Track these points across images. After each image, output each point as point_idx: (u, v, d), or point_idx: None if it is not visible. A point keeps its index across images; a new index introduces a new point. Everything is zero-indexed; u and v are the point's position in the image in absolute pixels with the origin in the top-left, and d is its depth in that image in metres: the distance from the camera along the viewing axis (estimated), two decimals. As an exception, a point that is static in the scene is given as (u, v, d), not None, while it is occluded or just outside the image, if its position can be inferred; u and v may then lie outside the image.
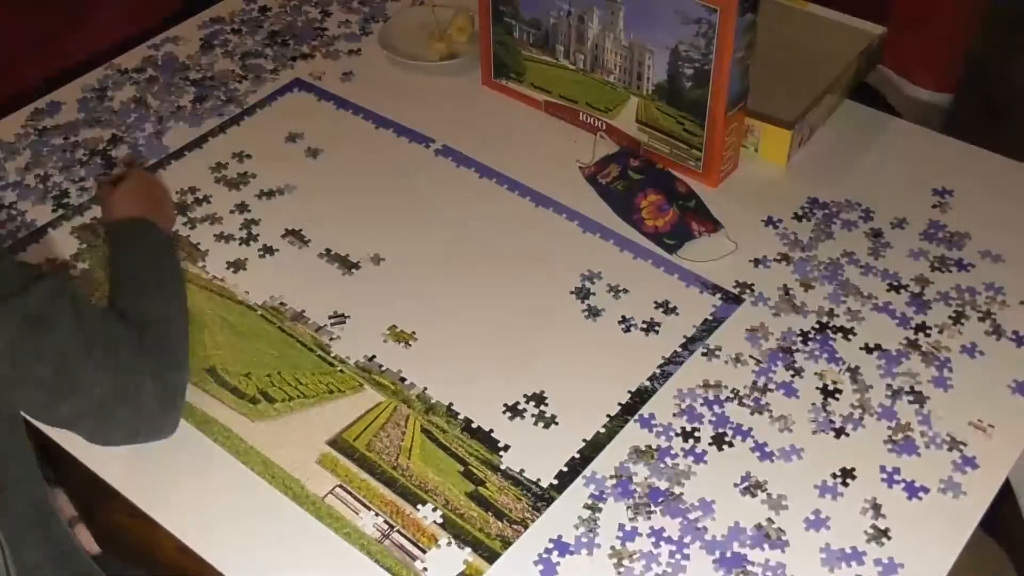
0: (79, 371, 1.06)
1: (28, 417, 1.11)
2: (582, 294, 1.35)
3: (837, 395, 1.23)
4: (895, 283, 1.36)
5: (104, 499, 1.17)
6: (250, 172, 1.54)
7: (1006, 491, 1.25)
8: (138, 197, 1.39)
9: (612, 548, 1.10)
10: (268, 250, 1.42)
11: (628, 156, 1.51)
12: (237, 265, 1.40)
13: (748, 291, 1.35)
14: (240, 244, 1.43)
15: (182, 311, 1.26)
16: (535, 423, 1.21)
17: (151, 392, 1.12)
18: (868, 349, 1.28)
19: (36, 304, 1.03)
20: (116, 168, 1.56)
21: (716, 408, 1.22)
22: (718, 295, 1.35)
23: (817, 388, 1.24)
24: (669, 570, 1.08)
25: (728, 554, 1.09)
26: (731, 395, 1.23)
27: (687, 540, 1.10)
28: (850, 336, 1.29)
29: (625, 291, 1.36)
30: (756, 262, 1.39)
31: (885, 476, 1.15)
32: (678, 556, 1.09)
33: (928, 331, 1.30)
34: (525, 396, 1.24)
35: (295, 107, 1.65)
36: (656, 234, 1.42)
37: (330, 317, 1.33)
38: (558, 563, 1.09)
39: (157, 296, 1.23)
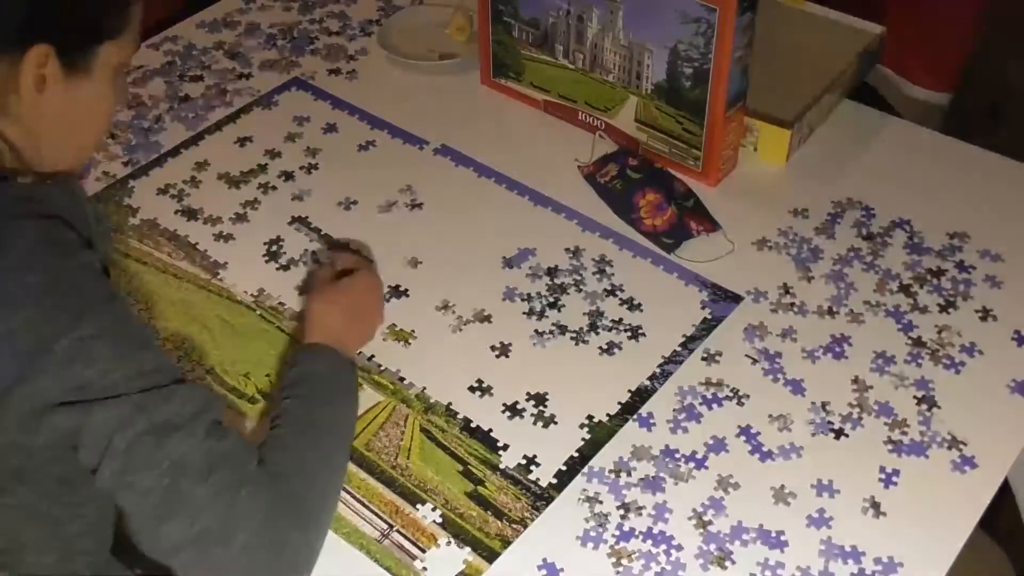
0: (192, 490, 0.93)
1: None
2: (581, 294, 1.35)
3: (836, 394, 1.23)
4: (895, 282, 1.36)
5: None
6: (248, 171, 1.54)
7: (1005, 490, 1.24)
8: (350, 307, 1.26)
9: (611, 547, 1.10)
10: (266, 250, 1.42)
11: (627, 155, 1.51)
12: (235, 264, 1.40)
13: (747, 290, 1.35)
14: (238, 243, 1.43)
15: (333, 474, 1.09)
16: (534, 422, 1.21)
17: (259, 542, 0.95)
18: (867, 348, 1.28)
19: (173, 413, 0.94)
20: (343, 253, 1.36)
21: (715, 407, 1.22)
22: (717, 294, 1.35)
23: (816, 387, 1.24)
24: (668, 568, 1.08)
25: (728, 553, 1.09)
26: (730, 394, 1.23)
27: (686, 539, 1.10)
28: (849, 335, 1.29)
29: (623, 290, 1.35)
30: (755, 261, 1.39)
31: (884, 476, 1.15)
32: (677, 555, 1.09)
33: (927, 331, 1.30)
34: (524, 395, 1.24)
35: (293, 106, 1.65)
36: (654, 233, 1.42)
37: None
38: (557, 562, 1.09)
39: (311, 452, 1.07)
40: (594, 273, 1.38)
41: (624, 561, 1.09)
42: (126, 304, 1.00)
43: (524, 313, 1.33)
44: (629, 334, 1.30)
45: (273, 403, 1.22)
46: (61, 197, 0.98)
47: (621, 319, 1.32)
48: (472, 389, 1.25)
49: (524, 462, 1.17)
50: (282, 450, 1.04)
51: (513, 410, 1.22)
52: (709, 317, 1.32)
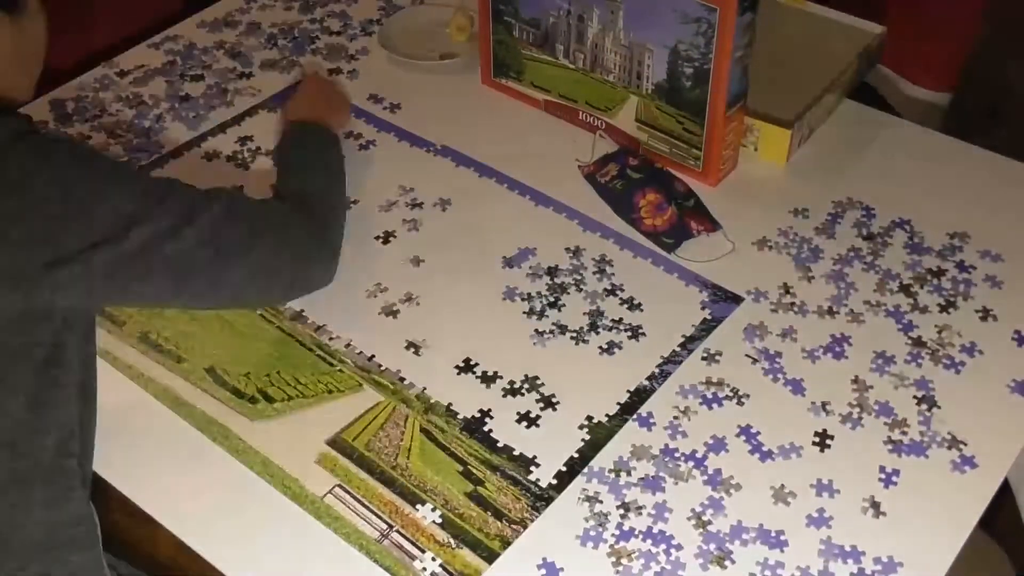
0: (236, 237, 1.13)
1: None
2: (581, 294, 1.35)
3: (836, 394, 1.23)
4: (895, 282, 1.36)
5: (103, 498, 1.17)
6: (249, 172, 1.54)
7: (1006, 490, 1.24)
8: (313, 101, 1.53)
9: (611, 547, 1.10)
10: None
11: (627, 155, 1.51)
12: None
13: (747, 290, 1.35)
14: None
15: (343, 191, 1.39)
16: (534, 422, 1.21)
17: (306, 243, 1.22)
18: (867, 348, 1.28)
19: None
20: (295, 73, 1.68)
21: (715, 407, 1.22)
22: (717, 294, 1.35)
23: (816, 387, 1.24)
24: (668, 567, 1.08)
25: (727, 552, 1.09)
26: (730, 394, 1.23)
27: (686, 538, 1.10)
28: (849, 335, 1.29)
29: (623, 290, 1.35)
30: (755, 261, 1.39)
31: (884, 475, 1.15)
32: (677, 554, 1.09)
33: (927, 331, 1.30)
34: (523, 395, 1.24)
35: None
36: (655, 233, 1.42)
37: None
38: (557, 562, 1.09)
39: (320, 177, 1.36)
40: (594, 273, 1.38)
41: (624, 561, 1.09)
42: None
43: (524, 313, 1.33)
44: (629, 334, 1.30)
45: (269, 403, 1.22)
46: None
47: (621, 319, 1.32)
48: (470, 388, 1.25)
49: (524, 462, 1.17)
50: (302, 180, 1.34)
51: (512, 410, 1.22)
52: (709, 317, 1.32)
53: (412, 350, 1.29)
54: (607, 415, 1.21)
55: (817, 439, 1.19)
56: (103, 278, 1.01)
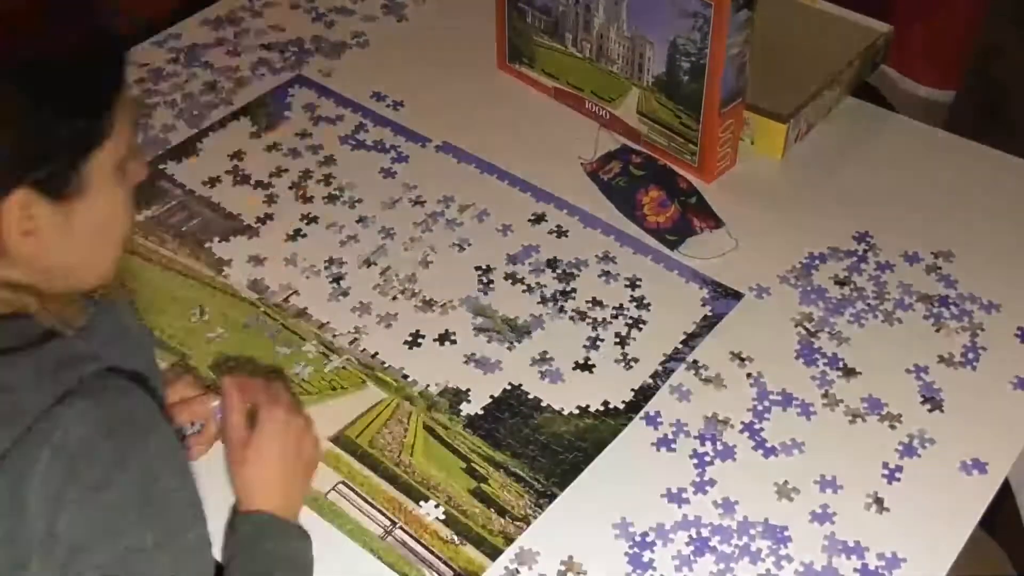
0: None
1: None
2: (583, 291, 1.35)
3: (840, 391, 1.23)
4: (896, 279, 1.35)
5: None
6: (249, 169, 1.54)
7: (1006, 490, 1.24)
8: (282, 463, 1.06)
9: (615, 543, 1.10)
10: (268, 247, 1.42)
11: (630, 152, 1.51)
12: (239, 260, 1.40)
13: (748, 287, 1.35)
14: (240, 240, 1.43)
15: None
16: (537, 420, 1.21)
17: None
18: (869, 345, 1.28)
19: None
20: (248, 385, 1.12)
21: (718, 403, 1.22)
22: (718, 291, 1.35)
23: (820, 384, 1.24)
24: (676, 562, 1.08)
25: (731, 547, 1.09)
26: (734, 391, 1.23)
27: (691, 533, 1.11)
28: (852, 331, 1.29)
29: (627, 287, 1.35)
30: (755, 258, 1.39)
31: (887, 471, 1.15)
32: (682, 550, 1.09)
33: (930, 328, 1.30)
34: (527, 393, 1.24)
35: (297, 103, 1.65)
36: (658, 230, 1.42)
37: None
38: (562, 559, 1.09)
39: None
40: (596, 271, 1.38)
41: (628, 556, 1.09)
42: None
43: (526, 310, 1.33)
44: (631, 331, 1.30)
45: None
46: (111, 328, 0.90)
47: (623, 316, 1.32)
48: (474, 385, 1.25)
49: (527, 460, 1.17)
50: None
51: (515, 408, 1.22)
52: (711, 314, 1.32)
53: (415, 347, 1.29)
54: (610, 412, 1.22)
55: (821, 436, 1.19)
56: None
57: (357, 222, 1.45)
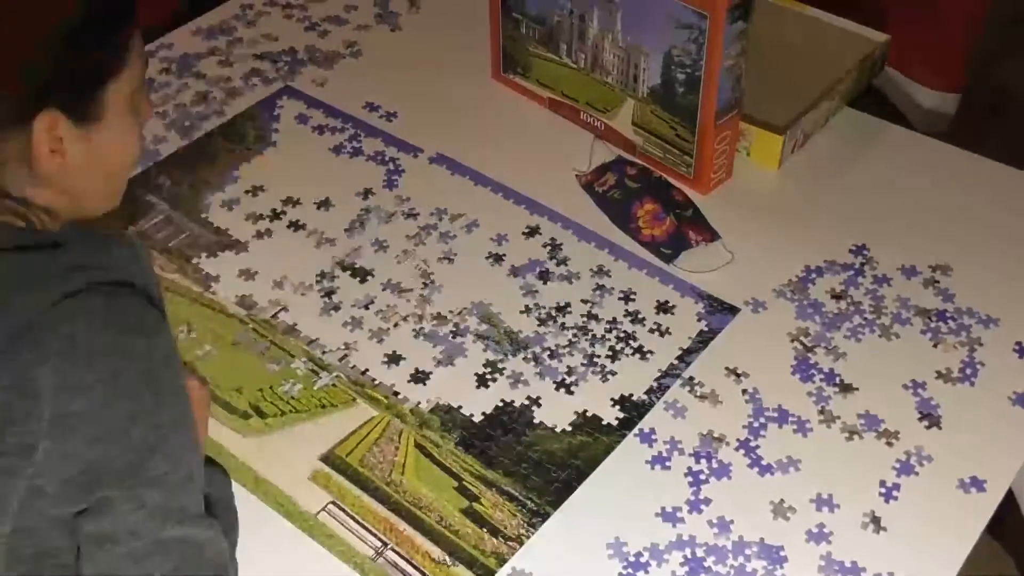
0: None
1: None
2: (577, 306, 1.34)
3: (837, 407, 1.22)
4: (893, 293, 1.34)
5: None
6: (241, 178, 1.52)
7: (1011, 495, 1.23)
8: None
9: (609, 563, 1.09)
10: (257, 261, 1.41)
11: (625, 164, 1.50)
12: (227, 276, 1.38)
13: (744, 300, 1.34)
14: (230, 256, 1.42)
15: None
16: (530, 437, 1.20)
17: None
18: (866, 360, 1.27)
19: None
20: None
21: (713, 420, 1.21)
22: (713, 305, 1.33)
23: (816, 400, 1.23)
24: (667, 586, 1.07)
25: (727, 567, 1.08)
26: (729, 407, 1.22)
27: (686, 553, 1.09)
28: (848, 347, 1.28)
29: (621, 301, 1.34)
30: (751, 271, 1.37)
31: (884, 490, 1.14)
32: (677, 571, 1.08)
33: (928, 343, 1.28)
34: (520, 409, 1.23)
35: (286, 114, 1.63)
36: (653, 243, 1.40)
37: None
38: (554, 580, 1.08)
39: None
40: (591, 285, 1.36)
41: (621, 579, 1.08)
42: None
43: (519, 324, 1.32)
44: (626, 346, 1.29)
45: (261, 418, 1.21)
46: (120, 252, 0.93)
47: (617, 331, 1.31)
48: (467, 403, 1.23)
49: (522, 476, 1.16)
50: None
51: (508, 425, 1.21)
52: (706, 329, 1.30)
53: (405, 364, 1.28)
54: (604, 428, 1.20)
55: (817, 454, 1.17)
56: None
57: (348, 236, 1.44)
